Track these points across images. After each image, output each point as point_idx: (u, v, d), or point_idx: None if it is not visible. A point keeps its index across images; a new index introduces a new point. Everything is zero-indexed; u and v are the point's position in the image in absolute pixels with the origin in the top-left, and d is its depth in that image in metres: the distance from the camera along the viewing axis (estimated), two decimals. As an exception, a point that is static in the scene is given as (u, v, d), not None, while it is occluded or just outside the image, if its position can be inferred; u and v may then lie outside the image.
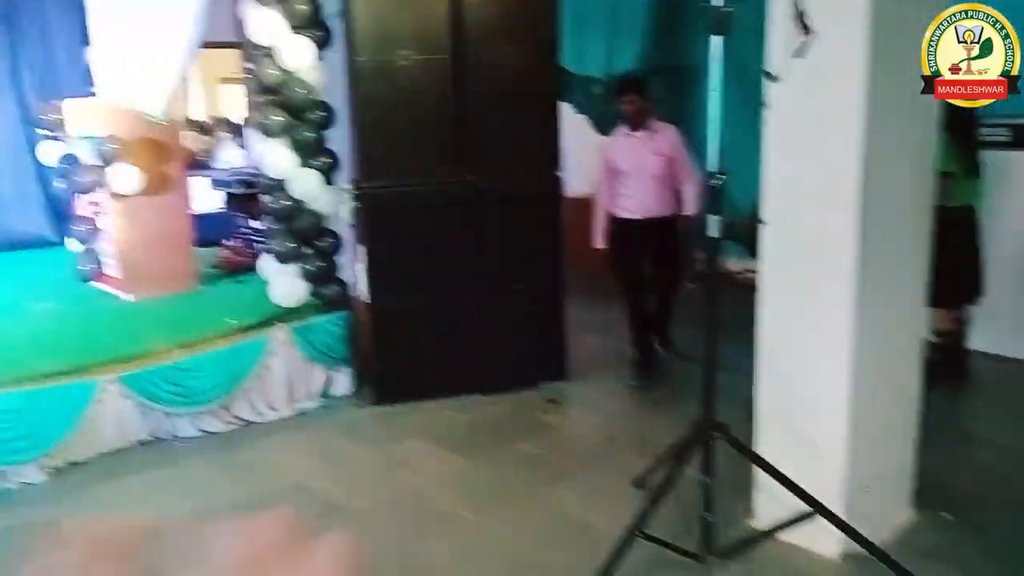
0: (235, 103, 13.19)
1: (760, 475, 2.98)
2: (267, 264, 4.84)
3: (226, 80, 13.61)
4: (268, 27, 4.48)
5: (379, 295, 4.51)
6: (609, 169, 4.66)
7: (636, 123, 4.55)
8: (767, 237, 2.94)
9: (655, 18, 7.16)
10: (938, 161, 4.04)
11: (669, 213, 4.64)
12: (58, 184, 5.55)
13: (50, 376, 3.87)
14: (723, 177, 2.53)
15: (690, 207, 4.60)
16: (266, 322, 4.58)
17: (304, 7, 4.50)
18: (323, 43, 4.62)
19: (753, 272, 6.65)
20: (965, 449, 3.80)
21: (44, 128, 5.37)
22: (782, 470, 2.75)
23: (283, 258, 4.67)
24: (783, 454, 2.88)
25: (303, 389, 4.62)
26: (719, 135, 2.66)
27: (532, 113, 4.54)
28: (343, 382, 4.77)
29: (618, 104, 4.56)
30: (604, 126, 7.00)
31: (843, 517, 2.71)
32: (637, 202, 4.59)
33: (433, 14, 4.30)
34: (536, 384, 4.74)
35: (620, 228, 4.67)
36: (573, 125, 5.80)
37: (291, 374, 4.55)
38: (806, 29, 2.37)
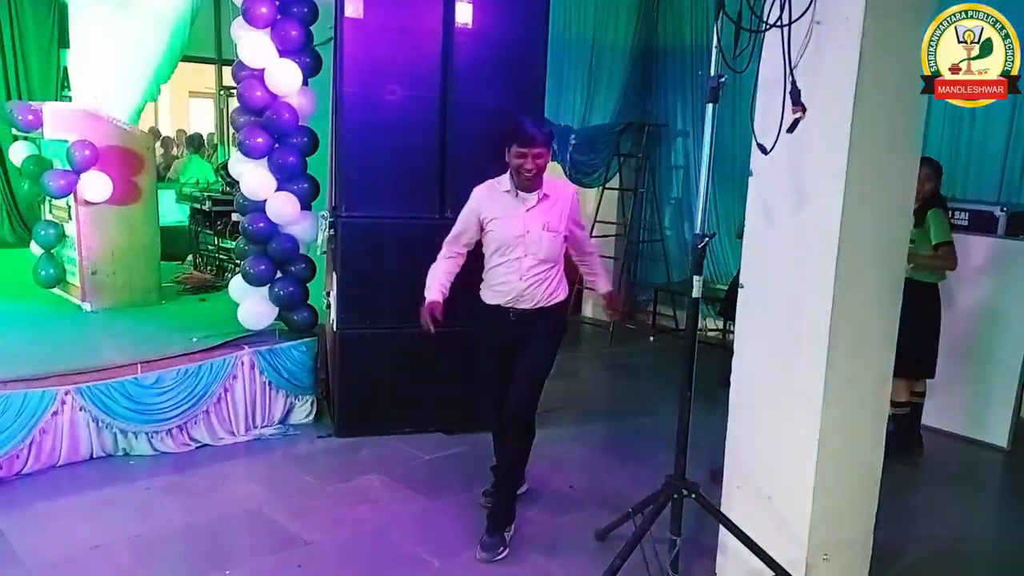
0: (203, 117, 13.12)
1: (726, 536, 3.00)
2: (236, 285, 4.78)
3: (195, 94, 13.53)
4: (258, 50, 4.48)
5: (348, 325, 4.48)
6: (467, 231, 3.44)
7: (532, 184, 3.28)
8: (744, 300, 3.00)
9: (631, 75, 7.37)
10: (924, 234, 4.23)
11: (549, 304, 3.40)
12: (25, 187, 5.43)
13: (4, 383, 3.75)
14: (711, 237, 2.58)
15: (601, 283, 3.68)
16: (230, 343, 4.51)
17: (295, 33, 4.52)
18: (312, 70, 4.64)
19: (718, 331, 6.78)
20: (918, 522, 3.88)
21: (17, 129, 5.26)
22: (746, 532, 2.78)
23: (253, 280, 4.62)
24: (749, 517, 2.91)
25: (264, 415, 4.55)
26: (707, 197, 2.74)
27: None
28: (304, 411, 4.70)
29: (512, 156, 3.22)
30: (578, 176, 7.14)
31: (803, 584, 2.74)
32: (510, 288, 3.35)
33: (424, 52, 4.35)
34: (497, 427, 4.72)
35: (486, 317, 3.46)
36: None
37: (252, 399, 4.48)
38: (800, 107, 2.45)
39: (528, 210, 3.29)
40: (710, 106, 2.61)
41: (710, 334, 6.72)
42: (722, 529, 3.02)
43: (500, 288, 3.37)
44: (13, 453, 3.76)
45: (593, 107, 7.31)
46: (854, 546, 3.14)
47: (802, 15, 2.52)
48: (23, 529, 3.41)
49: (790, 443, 2.88)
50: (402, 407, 4.57)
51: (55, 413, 3.86)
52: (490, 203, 3.36)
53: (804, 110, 2.42)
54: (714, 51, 2.60)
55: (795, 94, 2.46)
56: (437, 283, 3.42)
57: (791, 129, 2.46)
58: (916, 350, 4.17)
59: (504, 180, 3.35)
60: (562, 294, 3.44)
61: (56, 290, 5.35)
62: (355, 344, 4.49)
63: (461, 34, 4.36)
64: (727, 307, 5.73)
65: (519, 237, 3.29)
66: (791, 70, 2.47)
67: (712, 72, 2.58)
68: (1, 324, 4.69)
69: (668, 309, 7.50)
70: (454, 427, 4.63)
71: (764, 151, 2.58)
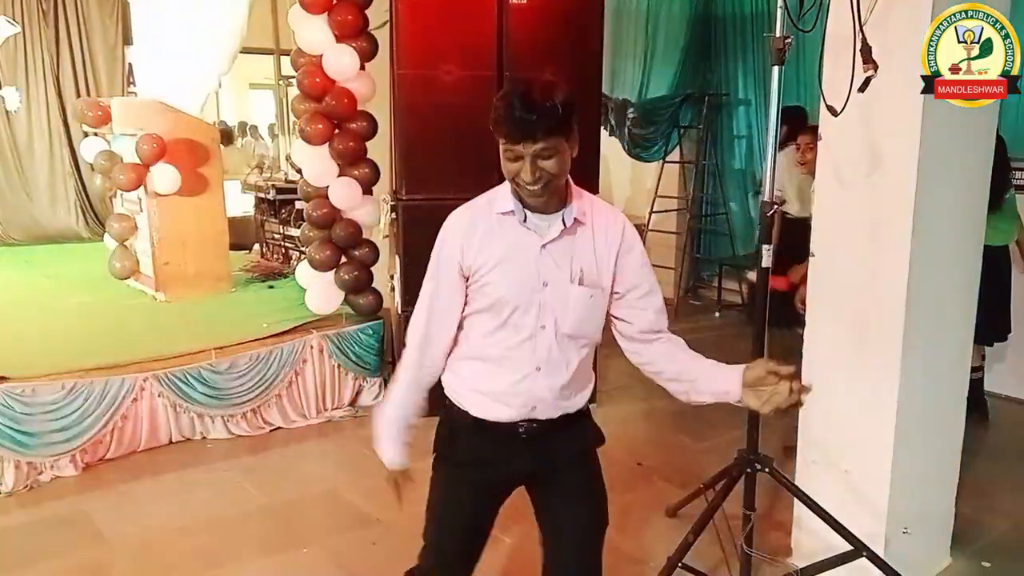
0: (263, 108, 13.35)
1: (800, 512, 2.95)
2: (303, 271, 4.86)
3: (255, 86, 13.76)
4: (315, 36, 4.52)
5: (413, 306, 4.50)
6: (449, 304, 1.96)
7: (545, 201, 1.85)
8: (816, 269, 2.92)
9: (689, 45, 7.21)
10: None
11: (581, 405, 2.01)
12: (97, 181, 5.60)
13: (88, 371, 3.89)
14: (781, 204, 2.51)
15: (721, 379, 1.92)
16: (299, 328, 4.59)
17: (351, 18, 4.54)
18: (369, 54, 4.66)
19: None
20: (1000, 494, 3.75)
21: (87, 125, 5.42)
22: (823, 507, 2.72)
23: (319, 266, 4.68)
24: (824, 491, 2.85)
25: (334, 397, 4.63)
26: (774, 163, 2.66)
27: (573, 133, 4.53)
28: (373, 392, 4.77)
29: (502, 157, 1.84)
30: (638, 151, 7.05)
31: (884, 559, 2.67)
32: (520, 388, 1.91)
33: (480, 31, 4.32)
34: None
35: (466, 438, 2.00)
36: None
37: (323, 382, 4.56)
38: (872, 64, 2.35)
39: (545, 246, 1.86)
40: (776, 68, 2.53)
41: (777, 307, 6.58)
42: (797, 503, 2.95)
43: (496, 388, 1.92)
44: (97, 439, 3.90)
45: (651, 79, 7.20)
46: (935, 519, 3.06)
47: (871, -30, 2.43)
48: (109, 511, 3.55)
49: (867, 414, 2.80)
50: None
51: (135, 399, 3.99)
52: (477, 236, 1.90)
53: (876, 67, 2.33)
54: (779, 11, 2.51)
55: (866, 50, 2.36)
56: (397, 428, 2.03)
57: (863, 88, 2.37)
58: (988, 314, 4.02)
59: (501, 195, 1.92)
60: (591, 389, 2.04)
61: (130, 281, 5.52)
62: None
63: (516, 10, 4.32)
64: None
65: (533, 293, 1.87)
66: (861, 26, 2.37)
67: (777, 33, 2.49)
68: (81, 316, 4.87)
69: (734, 284, 7.37)
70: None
71: (834, 113, 2.49)
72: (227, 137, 10.48)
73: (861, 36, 2.38)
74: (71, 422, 3.79)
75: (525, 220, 1.86)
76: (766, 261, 2.64)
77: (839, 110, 2.45)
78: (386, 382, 4.85)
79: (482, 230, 1.90)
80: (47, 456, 3.76)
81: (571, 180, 1.89)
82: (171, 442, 4.16)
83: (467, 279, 1.91)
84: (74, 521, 3.47)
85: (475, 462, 1.99)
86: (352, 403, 4.72)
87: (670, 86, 7.20)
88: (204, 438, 4.24)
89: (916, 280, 2.66)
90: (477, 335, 1.93)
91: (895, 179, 2.62)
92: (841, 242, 2.84)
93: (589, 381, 2.01)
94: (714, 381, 1.91)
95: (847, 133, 2.69)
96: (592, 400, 2.04)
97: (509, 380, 1.90)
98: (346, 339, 4.64)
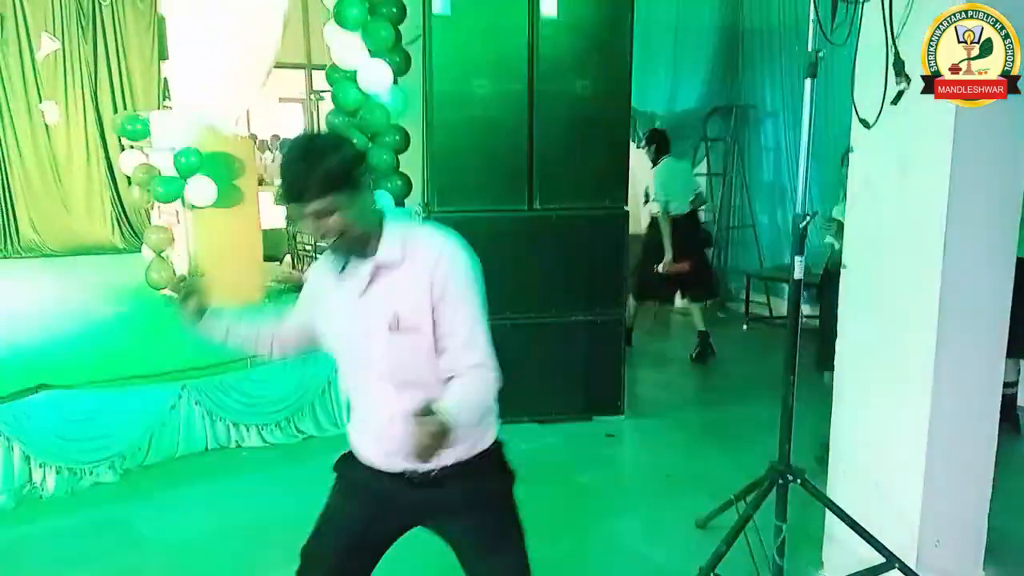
0: (293, 122, 13.54)
1: (832, 524, 2.94)
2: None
3: (284, 99, 13.96)
4: (350, 51, 4.61)
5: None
6: (299, 312, 2.11)
7: (346, 246, 1.84)
8: (848, 281, 2.93)
9: (717, 57, 7.24)
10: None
11: (473, 452, 1.95)
12: (135, 194, 5.72)
13: (126, 380, 3.97)
14: (813, 216, 2.53)
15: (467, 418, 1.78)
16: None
17: (385, 34, 4.63)
18: (402, 69, 4.74)
19: (814, 317, 6.62)
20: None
21: (127, 139, 5.55)
22: (854, 517, 2.72)
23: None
24: (856, 502, 2.85)
25: (365, 406, 4.67)
26: (807, 176, 2.68)
27: (602, 146, 4.58)
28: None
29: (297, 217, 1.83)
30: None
31: (916, 572, 2.67)
32: (386, 436, 1.88)
33: (511, 45, 4.38)
34: (591, 416, 4.74)
35: (361, 470, 1.98)
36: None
37: (354, 391, 4.62)
38: (905, 77, 2.37)
39: (361, 294, 1.85)
40: (808, 81, 2.56)
41: (805, 319, 6.55)
42: (829, 515, 2.95)
43: (367, 434, 1.96)
44: (135, 446, 3.98)
45: (679, 91, 7.24)
46: (968, 532, 3.03)
47: (903, -16, 2.45)
48: (147, 517, 3.62)
49: (899, 426, 2.80)
50: (496, 397, 4.62)
51: (172, 407, 4.07)
52: (321, 284, 1.98)
53: (908, 80, 2.35)
54: (811, 24, 2.54)
55: (899, 64, 2.39)
56: (226, 322, 2.13)
57: (895, 101, 2.40)
58: (1019, 326, 3.98)
59: None
60: (489, 433, 2.00)
61: (167, 291, 5.61)
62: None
63: (547, 26, 4.37)
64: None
65: (359, 341, 1.88)
66: (894, 40, 2.39)
67: (809, 46, 2.52)
68: (119, 325, 4.96)
69: (761, 296, 7.35)
70: (548, 418, 4.66)
71: (866, 125, 2.51)
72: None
73: (894, 50, 2.40)
74: (110, 429, 3.88)
75: (343, 269, 1.88)
76: (798, 272, 2.66)
77: (872, 122, 2.47)
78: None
79: (320, 271, 1.98)
80: (86, 462, 3.84)
81: (392, 217, 1.88)
82: (207, 450, 4.23)
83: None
84: (113, 526, 3.54)
85: (361, 491, 1.99)
86: (383, 412, 4.76)
87: (698, 98, 7.23)
88: (239, 446, 4.31)
89: (948, 291, 2.66)
90: (346, 387, 2.00)
91: (927, 190, 2.62)
92: (873, 253, 2.84)
93: (475, 423, 1.88)
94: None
95: (878, 144, 2.70)
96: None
97: (374, 427, 1.92)
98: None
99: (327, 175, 1.74)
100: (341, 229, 1.78)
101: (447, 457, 1.82)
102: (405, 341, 1.82)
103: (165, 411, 4.04)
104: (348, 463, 2.02)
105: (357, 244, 1.83)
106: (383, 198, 4.69)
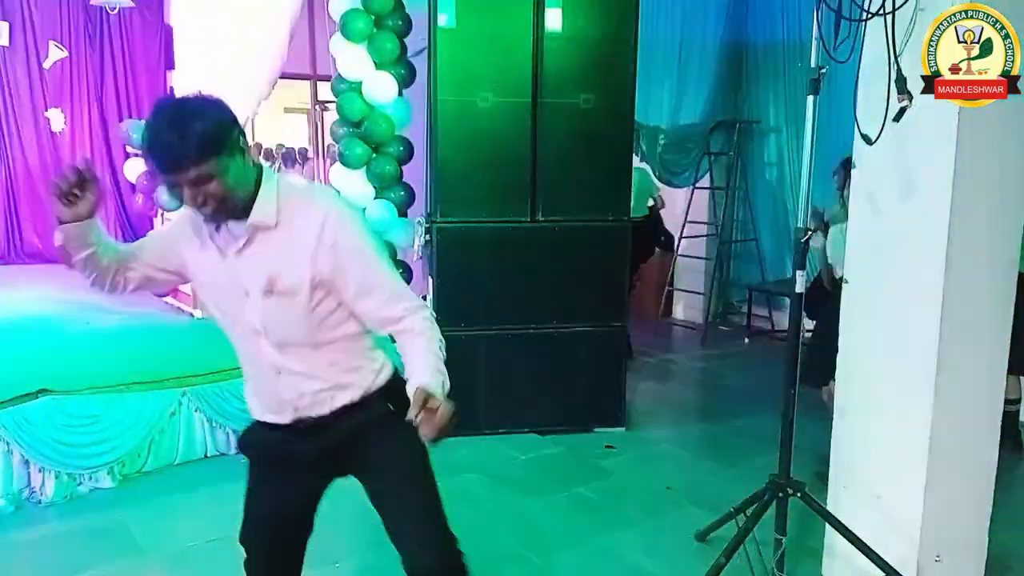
0: (296, 133, 13.61)
1: (832, 538, 2.94)
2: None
3: (289, 110, 14.02)
4: (355, 63, 4.64)
5: (444, 327, 4.51)
6: (152, 251, 2.05)
7: (217, 217, 1.82)
8: (849, 295, 2.94)
9: (720, 72, 7.27)
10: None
11: (359, 394, 1.97)
12: (138, 201, 5.75)
13: (127, 386, 3.98)
14: (815, 230, 2.54)
15: (416, 372, 1.84)
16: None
17: (390, 46, 4.66)
18: (406, 81, 4.77)
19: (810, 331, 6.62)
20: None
21: (132, 147, 5.58)
22: (854, 532, 2.72)
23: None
24: (856, 517, 2.85)
25: (364, 416, 4.67)
26: (810, 191, 2.70)
27: (605, 158, 4.59)
28: (403, 411, 4.81)
29: (166, 185, 1.78)
30: (668, 176, 7.11)
31: (916, 587, 2.67)
32: (273, 392, 1.97)
33: (516, 58, 4.41)
34: (591, 428, 4.74)
35: (257, 435, 2.12)
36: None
37: (354, 400, 4.62)
38: (907, 95, 2.39)
39: (238, 254, 1.84)
40: (811, 97, 2.58)
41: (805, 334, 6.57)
42: (829, 529, 2.95)
43: (258, 392, 2.02)
44: (135, 452, 3.98)
45: (682, 105, 7.26)
46: (968, 547, 3.03)
47: (905, 2, 2.46)
48: (145, 522, 3.61)
49: (900, 440, 2.81)
50: (497, 408, 4.64)
51: (172, 414, 4.07)
52: (191, 236, 1.92)
53: (911, 98, 2.37)
54: (814, 41, 2.56)
55: (901, 81, 2.40)
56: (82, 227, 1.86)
57: (897, 118, 2.41)
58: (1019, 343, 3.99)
59: None
60: (383, 373, 2.00)
61: (169, 299, 5.63)
62: (450, 346, 4.52)
63: (551, 39, 4.40)
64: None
65: (237, 302, 1.88)
66: (896, 58, 2.41)
67: (812, 63, 2.54)
68: (121, 332, 4.97)
69: (763, 310, 7.36)
70: (548, 428, 4.67)
71: (868, 141, 2.53)
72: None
73: (896, 67, 2.42)
74: (110, 435, 3.87)
75: (218, 229, 1.84)
76: (800, 286, 2.67)
77: (874, 139, 2.48)
78: (416, 402, 4.90)
79: (194, 229, 1.90)
80: (86, 468, 3.84)
81: (267, 178, 1.82)
82: (206, 456, 4.23)
83: (183, 271, 1.98)
84: (111, 532, 3.54)
85: (268, 457, 2.05)
86: (383, 422, 4.76)
87: (701, 113, 7.26)
88: (239, 453, 4.29)
89: (950, 307, 2.67)
90: (233, 345, 1.99)
91: (929, 206, 2.64)
92: (874, 268, 2.85)
93: (357, 370, 1.94)
94: (409, 383, 1.83)
95: (881, 160, 2.71)
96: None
97: (262, 385, 1.96)
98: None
99: (202, 140, 1.66)
100: (222, 195, 1.72)
101: (339, 400, 1.93)
102: (280, 304, 1.83)
103: (165, 418, 4.04)
104: (248, 437, 2.12)
105: (237, 210, 1.79)
106: (386, 208, 4.71)
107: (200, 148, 1.66)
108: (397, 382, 1.95)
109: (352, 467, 2.03)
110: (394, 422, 1.88)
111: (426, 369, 1.81)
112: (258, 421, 2.03)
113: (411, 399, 1.72)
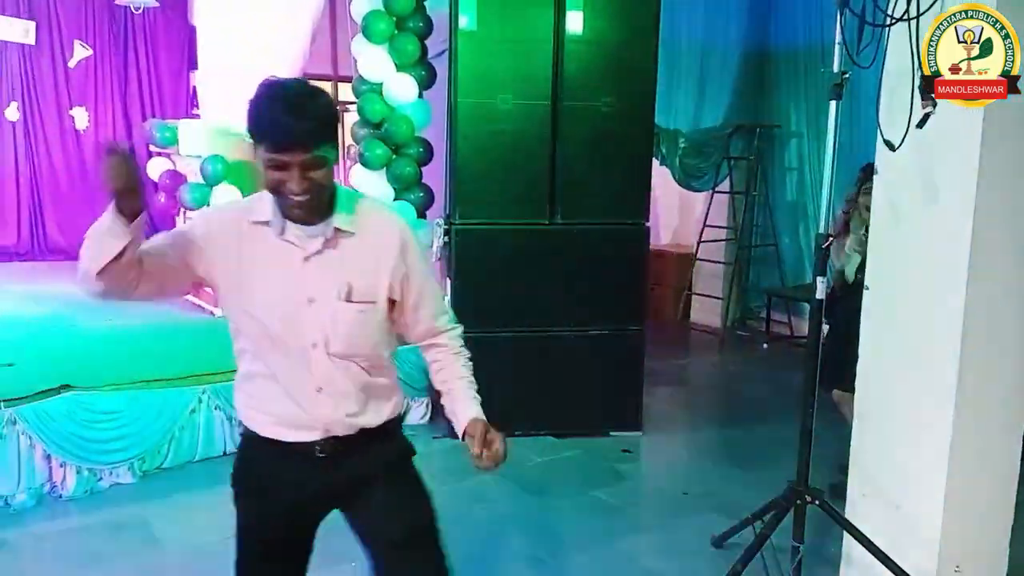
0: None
1: (850, 546, 2.92)
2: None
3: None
4: (376, 64, 4.67)
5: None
6: (167, 255, 1.81)
7: (309, 213, 1.72)
8: (870, 302, 2.92)
9: (741, 77, 7.25)
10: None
11: (382, 420, 1.91)
12: (160, 200, 5.80)
13: (148, 383, 4.02)
14: (836, 237, 2.53)
15: (460, 406, 1.93)
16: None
17: (411, 48, 4.68)
18: (427, 82, 4.79)
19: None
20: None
21: (155, 146, 5.63)
22: (873, 540, 2.70)
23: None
24: (875, 525, 2.83)
25: (381, 416, 4.69)
26: (831, 197, 2.68)
27: (625, 162, 4.60)
28: (420, 412, 4.83)
29: (264, 166, 1.67)
30: (688, 180, 7.08)
31: (935, 596, 2.65)
32: (305, 408, 1.82)
33: (536, 61, 4.42)
34: (608, 432, 4.74)
35: (261, 463, 1.93)
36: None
37: (371, 400, 4.64)
38: (931, 101, 2.37)
39: (308, 259, 1.75)
40: (833, 103, 2.56)
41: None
42: (847, 537, 2.93)
43: (282, 410, 1.82)
44: (155, 448, 4.01)
45: (703, 109, 7.24)
46: (988, 558, 2.99)
47: (930, 7, 2.45)
48: (164, 517, 3.65)
49: (920, 449, 2.78)
50: (514, 410, 4.62)
51: (192, 411, 4.10)
52: (229, 240, 1.77)
53: (935, 104, 2.35)
54: (837, 47, 2.55)
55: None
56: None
57: (921, 124, 2.39)
58: None
59: (261, 202, 1.77)
60: (396, 402, 1.97)
61: (190, 297, 5.67)
62: (468, 347, 4.58)
63: (572, 42, 4.41)
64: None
65: (298, 310, 1.76)
66: (920, 63, 2.39)
67: (835, 68, 2.53)
68: (142, 330, 5.01)
69: (782, 315, 7.32)
70: (564, 431, 4.67)
71: (891, 148, 2.51)
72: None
73: (920, 74, 2.40)
74: (130, 431, 3.91)
75: (284, 231, 1.73)
76: (820, 292, 2.65)
77: (897, 145, 2.47)
78: (433, 402, 4.91)
79: (234, 232, 1.77)
80: (106, 463, 3.87)
81: (339, 186, 1.78)
82: (225, 453, 4.25)
83: (201, 275, 1.79)
84: (130, 527, 3.57)
85: (272, 488, 1.89)
86: (400, 422, 4.78)
87: (722, 117, 7.24)
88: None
89: (972, 314, 2.64)
90: (250, 355, 1.83)
91: (952, 213, 2.62)
92: (897, 275, 2.83)
93: (388, 397, 1.91)
94: (454, 411, 1.91)
95: (904, 167, 2.70)
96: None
97: (293, 400, 1.80)
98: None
99: (325, 120, 1.62)
100: (323, 184, 1.67)
101: (364, 420, 1.85)
102: (354, 313, 1.77)
103: (185, 415, 4.08)
104: (244, 468, 1.96)
105: (321, 206, 1.71)
106: (406, 210, 4.73)
107: (325, 128, 1.63)
108: (400, 418, 2.00)
109: (357, 506, 1.94)
110: (400, 448, 1.96)
111: (470, 397, 1.90)
112: (261, 441, 1.86)
113: (465, 429, 1.83)
